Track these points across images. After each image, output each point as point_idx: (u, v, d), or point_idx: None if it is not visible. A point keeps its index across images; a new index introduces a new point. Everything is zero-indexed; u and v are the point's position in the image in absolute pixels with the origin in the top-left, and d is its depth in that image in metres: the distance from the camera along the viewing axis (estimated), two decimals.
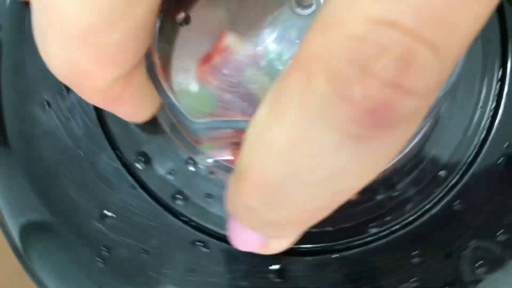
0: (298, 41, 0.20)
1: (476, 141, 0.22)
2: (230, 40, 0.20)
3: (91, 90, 0.17)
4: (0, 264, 0.42)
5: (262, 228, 0.16)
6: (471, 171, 0.22)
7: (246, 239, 0.18)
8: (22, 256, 0.24)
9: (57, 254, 0.23)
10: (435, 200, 0.22)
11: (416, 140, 0.23)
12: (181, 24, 0.20)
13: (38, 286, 0.23)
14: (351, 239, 0.22)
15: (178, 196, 0.22)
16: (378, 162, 0.14)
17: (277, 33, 0.19)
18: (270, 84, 0.15)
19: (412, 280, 0.21)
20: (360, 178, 0.14)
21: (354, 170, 0.13)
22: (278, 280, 0.21)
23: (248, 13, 0.20)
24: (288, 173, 0.14)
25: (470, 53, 0.22)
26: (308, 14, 0.20)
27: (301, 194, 0.14)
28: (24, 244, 0.23)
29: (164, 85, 0.19)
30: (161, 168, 0.22)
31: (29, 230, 0.23)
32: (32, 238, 0.23)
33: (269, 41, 0.19)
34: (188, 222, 0.22)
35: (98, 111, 0.22)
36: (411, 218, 0.22)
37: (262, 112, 0.14)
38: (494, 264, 0.22)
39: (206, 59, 0.20)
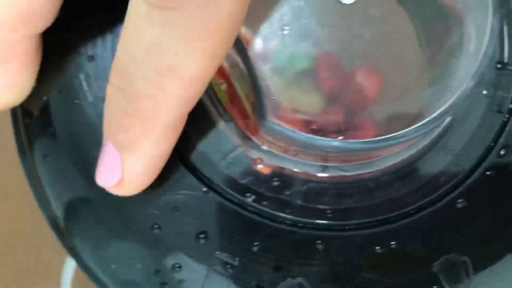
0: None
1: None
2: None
3: None
4: (1, 264, 0.43)
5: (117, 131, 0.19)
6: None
7: (104, 165, 0.20)
8: (63, 234, 0.25)
9: (97, 230, 0.24)
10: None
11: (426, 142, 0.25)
12: None
13: (78, 262, 0.25)
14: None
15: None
16: (187, 37, 0.16)
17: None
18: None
19: None
20: (177, 54, 0.17)
21: (170, 43, 0.16)
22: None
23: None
24: (127, 54, 0.17)
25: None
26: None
27: (136, 74, 0.17)
28: (67, 222, 0.25)
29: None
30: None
31: (73, 208, 0.24)
32: (75, 215, 0.24)
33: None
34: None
35: None
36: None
37: None
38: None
39: None
